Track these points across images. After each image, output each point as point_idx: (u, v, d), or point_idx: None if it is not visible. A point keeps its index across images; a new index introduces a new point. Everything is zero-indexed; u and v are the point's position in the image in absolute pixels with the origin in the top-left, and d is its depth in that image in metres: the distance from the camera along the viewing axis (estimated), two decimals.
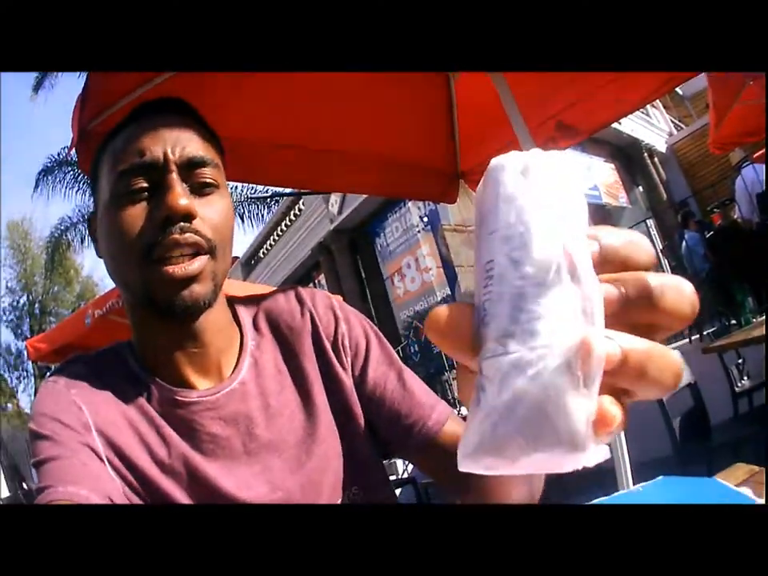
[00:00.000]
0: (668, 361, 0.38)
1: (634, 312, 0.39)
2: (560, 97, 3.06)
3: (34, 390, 38.28)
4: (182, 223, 0.89)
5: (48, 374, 1.01)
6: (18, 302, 36.96)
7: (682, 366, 0.39)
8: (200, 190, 0.95)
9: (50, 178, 17.51)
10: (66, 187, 17.55)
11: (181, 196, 0.89)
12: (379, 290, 14.34)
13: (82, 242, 19.25)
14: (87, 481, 0.82)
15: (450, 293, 12.81)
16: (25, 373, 38.64)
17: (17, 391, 39.74)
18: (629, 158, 15.02)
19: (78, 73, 14.97)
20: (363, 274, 15.03)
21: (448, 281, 12.90)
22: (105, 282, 38.59)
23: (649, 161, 15.02)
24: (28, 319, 36.75)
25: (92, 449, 0.87)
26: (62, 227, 19.12)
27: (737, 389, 4.36)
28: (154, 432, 0.93)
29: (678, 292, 0.39)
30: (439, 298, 13.04)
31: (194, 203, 0.91)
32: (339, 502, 1.01)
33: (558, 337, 0.36)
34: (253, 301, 1.12)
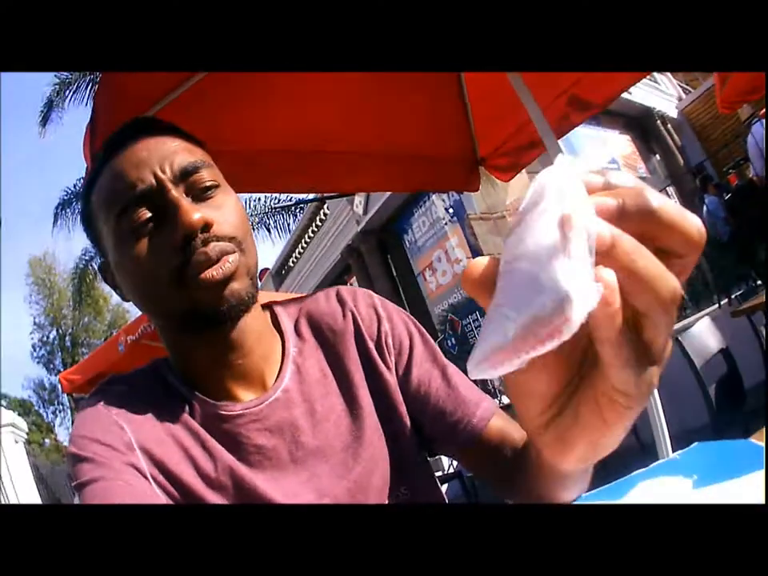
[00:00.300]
0: (659, 270, 0.40)
1: (633, 225, 0.40)
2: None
3: (70, 422, 38.43)
4: (201, 235, 0.88)
5: (89, 395, 1.00)
6: (47, 336, 37.12)
7: (675, 284, 0.40)
8: (203, 195, 0.93)
9: (68, 210, 17.51)
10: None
11: (191, 211, 0.87)
12: (412, 286, 14.25)
13: None
14: (132, 500, 0.81)
15: None
16: (60, 407, 38.97)
17: (53, 426, 40.15)
18: (643, 127, 14.96)
19: (85, 103, 15.30)
20: (395, 273, 14.96)
21: None
22: (135, 309, 40.52)
23: (662, 128, 14.96)
24: (60, 353, 36.82)
25: (136, 468, 0.86)
26: (86, 257, 19.14)
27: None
28: (199, 446, 0.92)
29: (681, 211, 0.40)
30: None
31: (205, 211, 0.90)
32: (386, 503, 1.01)
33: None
34: (293, 305, 1.11)
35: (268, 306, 1.10)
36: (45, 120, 16.79)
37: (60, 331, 35.50)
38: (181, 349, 0.99)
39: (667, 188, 11.54)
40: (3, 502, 7.34)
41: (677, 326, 7.28)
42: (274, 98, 2.53)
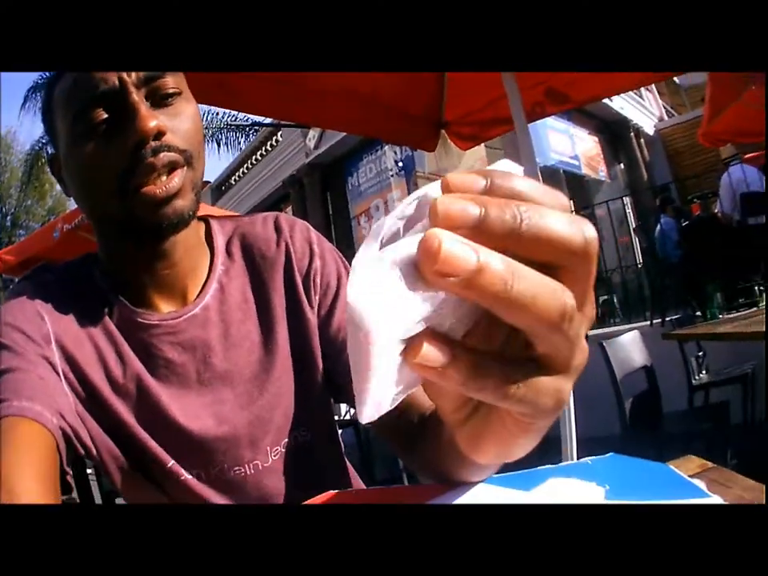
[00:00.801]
0: (538, 288, 0.33)
1: (497, 237, 0.33)
2: None
3: None
4: (153, 143, 0.85)
5: (18, 280, 0.99)
6: None
7: (562, 301, 0.35)
8: (164, 101, 0.90)
9: (38, 95, 17.06)
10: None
11: (147, 117, 0.84)
12: (344, 228, 14.39)
13: None
14: (42, 396, 0.79)
15: None
16: None
17: None
18: (614, 134, 15.04)
19: None
20: (331, 211, 15.10)
21: None
22: None
23: (635, 140, 15.03)
24: None
25: (50, 362, 0.86)
26: (43, 141, 18.82)
27: (694, 381, 4.28)
28: (112, 350, 0.92)
29: (560, 216, 0.35)
30: None
31: (161, 118, 0.87)
32: (285, 441, 1.00)
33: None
34: (230, 223, 1.09)
35: (203, 219, 1.08)
36: None
37: (3, 210, 34.61)
38: (110, 251, 0.98)
39: (624, 197, 11.53)
40: None
41: (602, 332, 7.32)
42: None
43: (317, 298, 1.05)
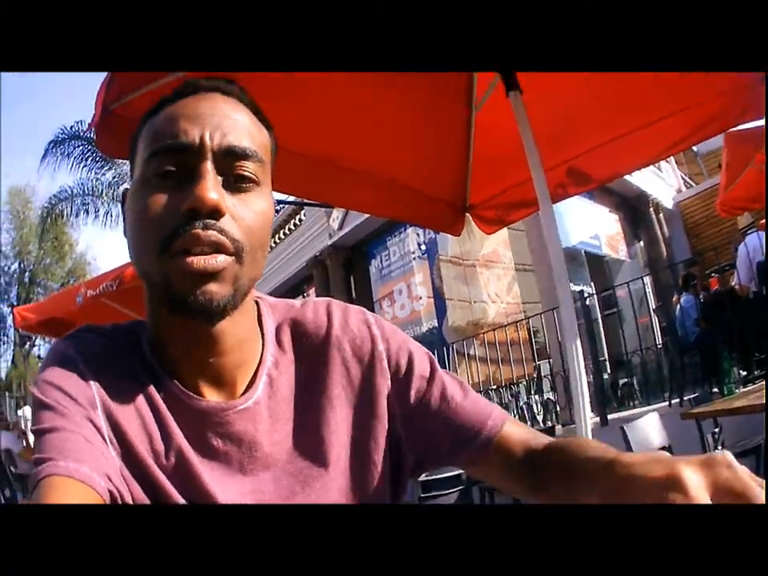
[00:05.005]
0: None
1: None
2: (578, 142, 3.15)
3: (11, 357, 38.58)
4: (207, 219, 0.83)
5: (62, 338, 0.96)
6: (9, 267, 37.12)
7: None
8: (236, 184, 0.88)
9: (59, 149, 17.31)
10: (74, 161, 17.39)
11: (210, 189, 0.83)
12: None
13: (77, 216, 19.30)
14: (89, 458, 0.78)
15: (436, 325, 12.83)
16: (5, 338, 38.84)
17: None
18: (634, 210, 15.00)
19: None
20: (354, 294, 15.07)
21: (437, 312, 12.92)
22: (97, 262, 38.85)
23: (654, 216, 14.98)
24: (16, 286, 36.87)
25: (96, 425, 0.84)
26: (61, 197, 19.00)
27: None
28: (158, 425, 0.90)
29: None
30: (425, 329, 13.04)
31: (227, 199, 0.85)
32: None
33: None
34: (281, 308, 1.05)
35: (256, 301, 1.05)
36: None
37: (22, 265, 35.52)
38: (158, 322, 0.95)
39: (644, 277, 11.52)
40: None
41: (623, 415, 7.35)
42: (291, 97, 2.51)
43: (387, 381, 1.02)
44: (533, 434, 1.02)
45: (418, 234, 13.19)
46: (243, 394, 0.95)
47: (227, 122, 0.88)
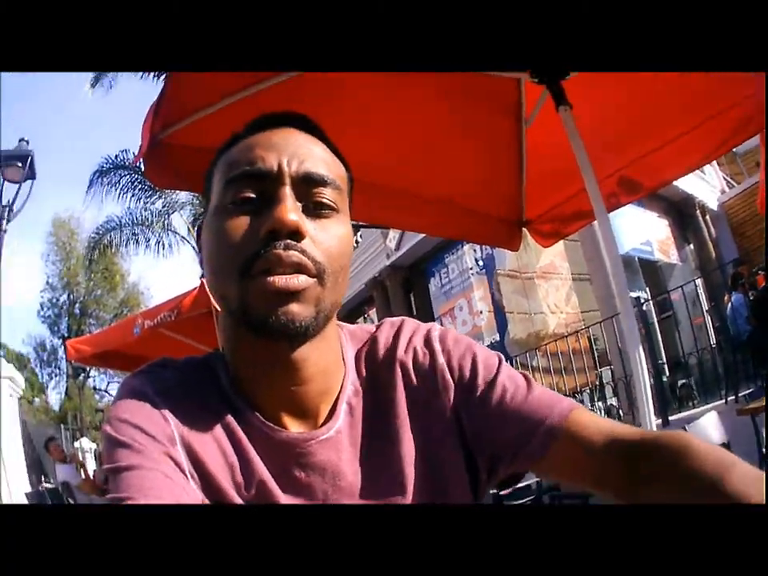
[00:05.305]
0: None
1: None
2: (626, 151, 3.16)
3: (64, 389, 38.58)
4: (288, 240, 0.83)
5: (134, 373, 0.96)
6: (57, 299, 37.03)
7: None
8: (315, 211, 0.88)
9: (104, 179, 17.13)
10: (121, 191, 17.16)
11: (290, 210, 0.83)
12: None
13: (127, 246, 18.97)
14: (169, 495, 0.77)
15: (498, 339, 12.87)
16: (57, 371, 38.88)
17: (46, 387, 39.94)
18: (681, 214, 15.01)
19: (141, 75, 14.94)
20: (415, 312, 15.00)
21: (498, 326, 12.96)
22: (150, 292, 38.80)
23: (701, 218, 14.97)
24: (66, 318, 36.74)
25: (175, 461, 0.83)
26: (108, 227, 18.72)
27: (764, 450, 4.47)
28: (239, 457, 0.89)
29: None
30: (487, 343, 12.93)
31: (307, 223, 0.85)
32: None
33: None
34: (360, 334, 1.05)
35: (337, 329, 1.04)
36: (96, 81, 16.66)
37: (71, 297, 35.43)
38: (238, 349, 0.94)
39: (695, 280, 11.54)
40: None
41: (684, 416, 7.41)
42: (341, 121, 2.42)
43: (450, 393, 0.99)
44: (616, 424, 0.94)
45: (474, 250, 13.22)
46: (324, 423, 0.94)
47: (303, 150, 0.89)
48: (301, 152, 0.89)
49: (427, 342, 1.03)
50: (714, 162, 16.02)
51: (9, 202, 10.19)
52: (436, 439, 0.98)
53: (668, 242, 14.74)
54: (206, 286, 0.96)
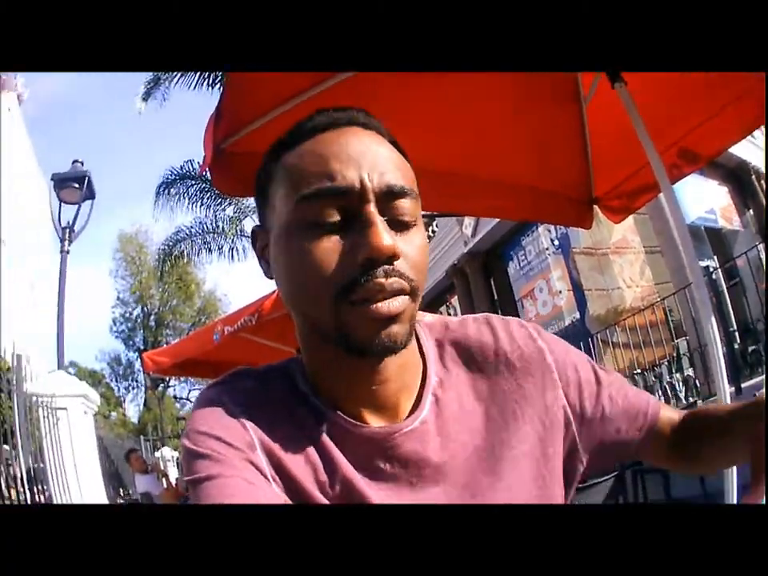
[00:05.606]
0: None
1: None
2: (683, 121, 3.13)
3: (143, 401, 38.63)
4: (385, 266, 0.81)
5: (210, 385, 0.97)
6: (130, 313, 36.66)
7: None
8: (399, 225, 0.85)
9: (171, 190, 16.81)
10: (189, 201, 16.83)
11: (384, 235, 0.80)
12: (511, 313, 13.93)
13: (199, 255, 18.53)
14: (252, 500, 0.78)
15: (578, 317, 12.82)
16: (135, 383, 38.99)
17: (123, 401, 40.14)
18: (739, 180, 15.02)
19: (193, 87, 14.28)
20: (496, 297, 15.00)
21: (577, 305, 12.90)
22: (228, 298, 38.24)
23: (756, 183, 14.95)
24: (142, 331, 36.24)
25: (257, 467, 0.84)
26: (178, 237, 18.31)
27: None
28: (321, 456, 0.89)
29: None
30: (568, 323, 13.03)
31: (397, 241, 0.83)
32: None
33: None
34: (439, 327, 1.04)
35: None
36: (147, 96, 16.07)
37: (145, 310, 35.14)
38: (317, 357, 0.94)
39: (758, 245, 11.34)
40: (64, 470, 7.48)
41: (755, 382, 7.52)
42: (407, 114, 2.43)
43: (558, 391, 1.01)
44: (675, 411, 1.11)
45: (549, 231, 13.16)
46: (409, 416, 0.93)
47: (380, 160, 0.86)
48: (378, 162, 0.85)
49: (532, 339, 1.04)
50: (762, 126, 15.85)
51: (69, 223, 10.12)
52: (539, 435, 0.98)
53: (730, 208, 14.69)
54: (283, 299, 0.94)
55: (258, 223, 1.00)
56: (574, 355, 1.07)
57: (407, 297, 0.84)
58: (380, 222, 0.82)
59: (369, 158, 0.85)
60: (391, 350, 0.85)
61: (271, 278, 0.96)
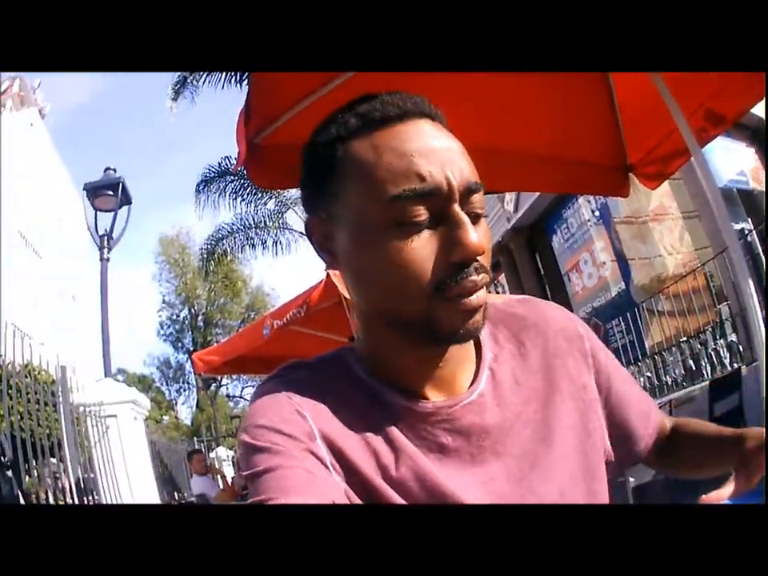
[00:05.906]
0: None
1: None
2: (707, 83, 3.06)
3: (196, 401, 37.80)
4: (476, 264, 0.84)
5: (266, 379, 0.98)
6: (177, 315, 36.06)
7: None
8: (475, 218, 0.87)
9: (211, 188, 16.89)
10: (229, 197, 16.98)
11: (474, 235, 0.83)
12: (558, 287, 14.18)
13: (242, 251, 18.48)
14: (313, 489, 0.79)
15: (624, 287, 12.76)
16: (186, 385, 38.51)
17: (175, 404, 40.00)
18: (761, 140, 14.21)
19: (222, 86, 14.18)
20: (542, 272, 14.95)
21: (622, 275, 12.83)
22: (276, 292, 37.65)
23: None
24: (190, 332, 35.71)
25: (317, 456, 0.85)
26: (220, 235, 18.40)
27: None
28: (382, 439, 0.90)
29: None
30: (614, 293, 12.97)
31: (480, 237, 0.85)
32: None
33: None
34: (489, 309, 0.99)
35: None
36: (176, 95, 15.98)
37: (192, 311, 34.67)
38: (382, 344, 0.96)
39: None
40: (115, 478, 7.38)
41: None
42: (438, 93, 2.18)
43: (593, 376, 1.06)
44: (669, 418, 1.17)
45: (589, 202, 13.03)
46: (466, 391, 0.96)
47: (456, 156, 0.87)
48: (455, 158, 0.87)
49: (574, 323, 1.10)
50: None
51: (106, 230, 9.86)
52: (583, 411, 1.02)
53: (758, 169, 14.23)
54: (357, 290, 0.95)
55: (305, 212, 1.00)
56: (604, 349, 1.12)
57: (486, 288, 0.88)
58: (467, 222, 0.84)
59: (449, 156, 0.86)
60: (474, 337, 0.91)
61: (335, 269, 0.99)
